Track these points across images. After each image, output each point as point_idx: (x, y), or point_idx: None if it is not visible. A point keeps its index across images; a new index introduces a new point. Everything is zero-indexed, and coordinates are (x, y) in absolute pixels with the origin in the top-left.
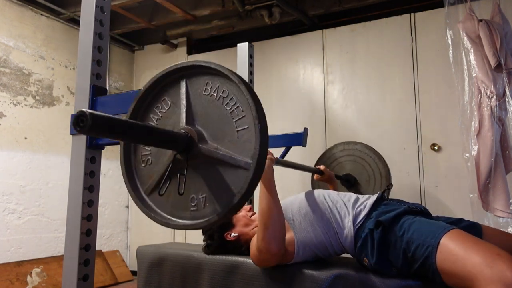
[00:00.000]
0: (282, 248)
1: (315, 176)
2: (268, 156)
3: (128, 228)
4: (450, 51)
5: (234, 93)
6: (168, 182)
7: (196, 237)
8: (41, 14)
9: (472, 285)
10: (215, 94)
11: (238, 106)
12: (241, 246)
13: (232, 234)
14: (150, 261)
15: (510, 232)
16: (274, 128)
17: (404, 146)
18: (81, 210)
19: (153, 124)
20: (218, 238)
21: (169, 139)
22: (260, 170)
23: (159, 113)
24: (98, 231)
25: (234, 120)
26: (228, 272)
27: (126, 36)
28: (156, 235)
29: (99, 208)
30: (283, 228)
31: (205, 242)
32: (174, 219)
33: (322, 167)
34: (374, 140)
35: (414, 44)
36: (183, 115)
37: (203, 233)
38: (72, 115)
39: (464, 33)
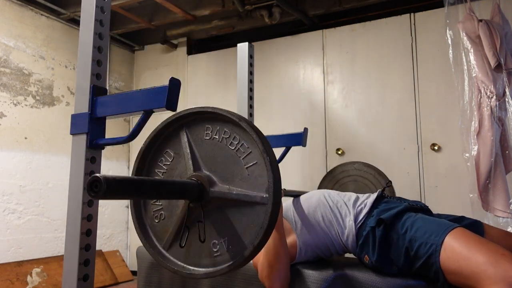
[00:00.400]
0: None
1: None
2: None
3: (128, 228)
4: (450, 51)
5: (236, 131)
6: (187, 233)
7: None
8: (41, 14)
9: (475, 284)
10: (217, 137)
11: (243, 144)
12: None
13: None
14: (150, 261)
15: (510, 232)
16: (274, 128)
17: (404, 146)
18: (81, 210)
19: (159, 178)
20: None
21: (181, 189)
22: (277, 202)
23: (163, 167)
24: (98, 231)
25: (241, 158)
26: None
27: (126, 36)
28: None
29: (99, 208)
30: (288, 267)
31: None
32: (199, 269)
33: None
34: (374, 140)
35: (414, 44)
36: (189, 163)
37: None
38: (72, 115)
39: (464, 33)
